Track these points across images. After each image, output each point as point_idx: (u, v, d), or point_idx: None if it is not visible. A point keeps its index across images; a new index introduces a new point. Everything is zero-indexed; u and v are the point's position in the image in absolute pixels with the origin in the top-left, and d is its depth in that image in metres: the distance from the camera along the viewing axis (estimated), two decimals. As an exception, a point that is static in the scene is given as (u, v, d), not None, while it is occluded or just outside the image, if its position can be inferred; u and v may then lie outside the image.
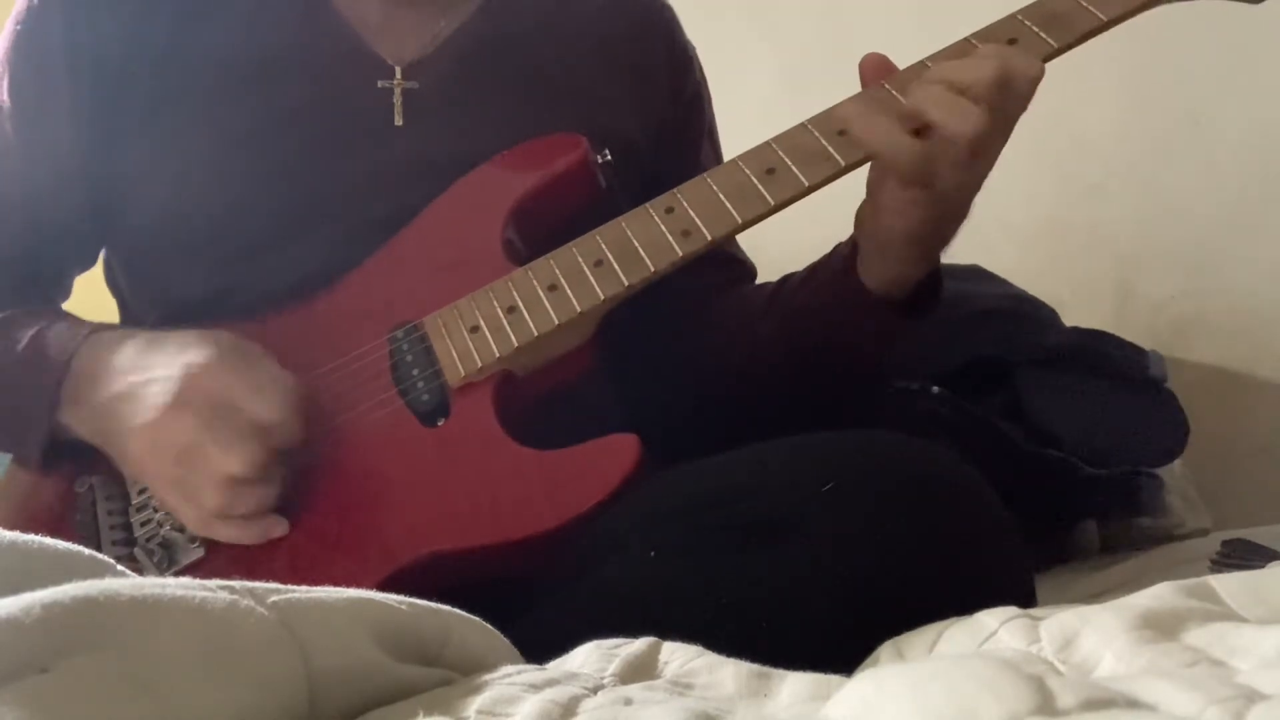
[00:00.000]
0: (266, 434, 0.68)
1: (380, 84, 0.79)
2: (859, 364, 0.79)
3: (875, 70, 0.70)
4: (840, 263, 0.75)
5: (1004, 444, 1.08)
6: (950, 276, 1.28)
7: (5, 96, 0.81)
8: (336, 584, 0.66)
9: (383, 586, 0.65)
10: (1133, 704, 0.28)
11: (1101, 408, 1.17)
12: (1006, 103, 0.64)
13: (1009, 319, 1.22)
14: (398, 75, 0.79)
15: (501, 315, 0.73)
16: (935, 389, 1.11)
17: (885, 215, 0.69)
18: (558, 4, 0.88)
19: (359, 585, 0.66)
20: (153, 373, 0.69)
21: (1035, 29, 0.70)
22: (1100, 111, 1.43)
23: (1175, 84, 1.37)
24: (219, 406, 0.67)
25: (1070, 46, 0.71)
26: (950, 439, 1.06)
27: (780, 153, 0.71)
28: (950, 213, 0.70)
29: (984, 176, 0.68)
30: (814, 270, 0.80)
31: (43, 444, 0.73)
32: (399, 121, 0.79)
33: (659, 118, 0.88)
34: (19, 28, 0.80)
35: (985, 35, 0.71)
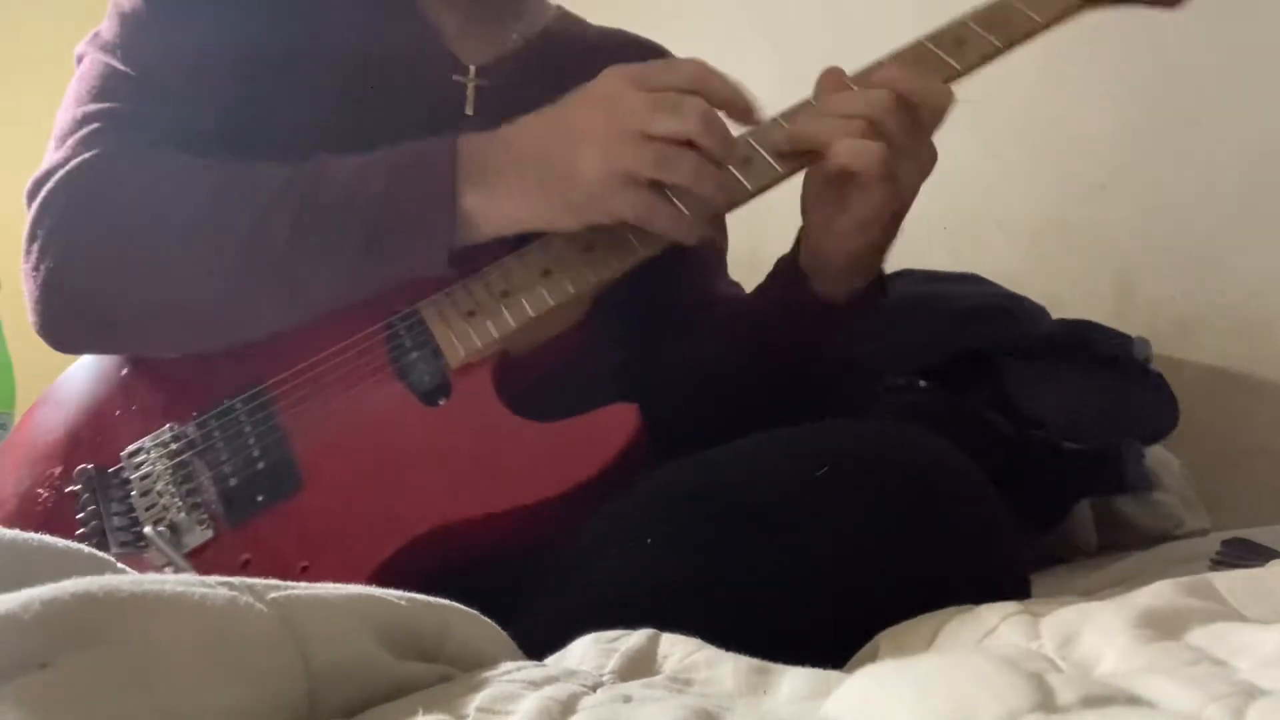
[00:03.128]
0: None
1: (455, 78, 0.87)
2: (820, 364, 0.84)
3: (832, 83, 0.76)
4: (791, 279, 0.80)
5: (989, 431, 1.09)
6: (943, 281, 1.31)
7: (125, 66, 0.81)
8: (348, 558, 0.68)
9: (394, 559, 0.68)
10: (1133, 701, 0.28)
11: (1085, 391, 1.18)
12: (908, 123, 0.71)
13: (995, 314, 1.23)
14: (471, 73, 0.88)
15: (496, 300, 0.76)
16: (922, 383, 1.12)
17: (834, 240, 0.75)
18: (597, 43, 0.97)
19: (371, 559, 0.67)
20: (574, 102, 0.73)
21: (981, 31, 0.77)
22: (1100, 112, 1.43)
23: (1175, 84, 1.37)
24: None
25: (1013, 46, 0.78)
26: (935, 429, 1.06)
27: (754, 143, 0.76)
28: (886, 234, 0.76)
29: (909, 190, 0.74)
30: (767, 290, 0.86)
31: (453, 229, 0.73)
32: (469, 111, 0.87)
33: None
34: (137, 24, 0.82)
35: (936, 37, 0.78)
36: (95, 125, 0.78)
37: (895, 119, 0.71)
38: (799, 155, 0.75)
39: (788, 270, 0.81)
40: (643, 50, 0.99)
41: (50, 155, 0.79)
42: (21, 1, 2.05)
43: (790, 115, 0.77)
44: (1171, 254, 1.42)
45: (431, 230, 0.73)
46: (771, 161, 0.75)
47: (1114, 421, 1.14)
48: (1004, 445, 1.08)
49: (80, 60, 0.84)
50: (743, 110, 0.72)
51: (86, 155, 0.76)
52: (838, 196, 0.73)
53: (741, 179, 0.75)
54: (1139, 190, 1.44)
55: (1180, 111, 1.39)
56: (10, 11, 2.04)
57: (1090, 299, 1.43)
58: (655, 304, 0.88)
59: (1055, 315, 1.28)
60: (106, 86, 0.80)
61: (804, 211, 0.78)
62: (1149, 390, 1.21)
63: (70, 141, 0.78)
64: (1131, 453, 1.12)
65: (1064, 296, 1.39)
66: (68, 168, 0.76)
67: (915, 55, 0.78)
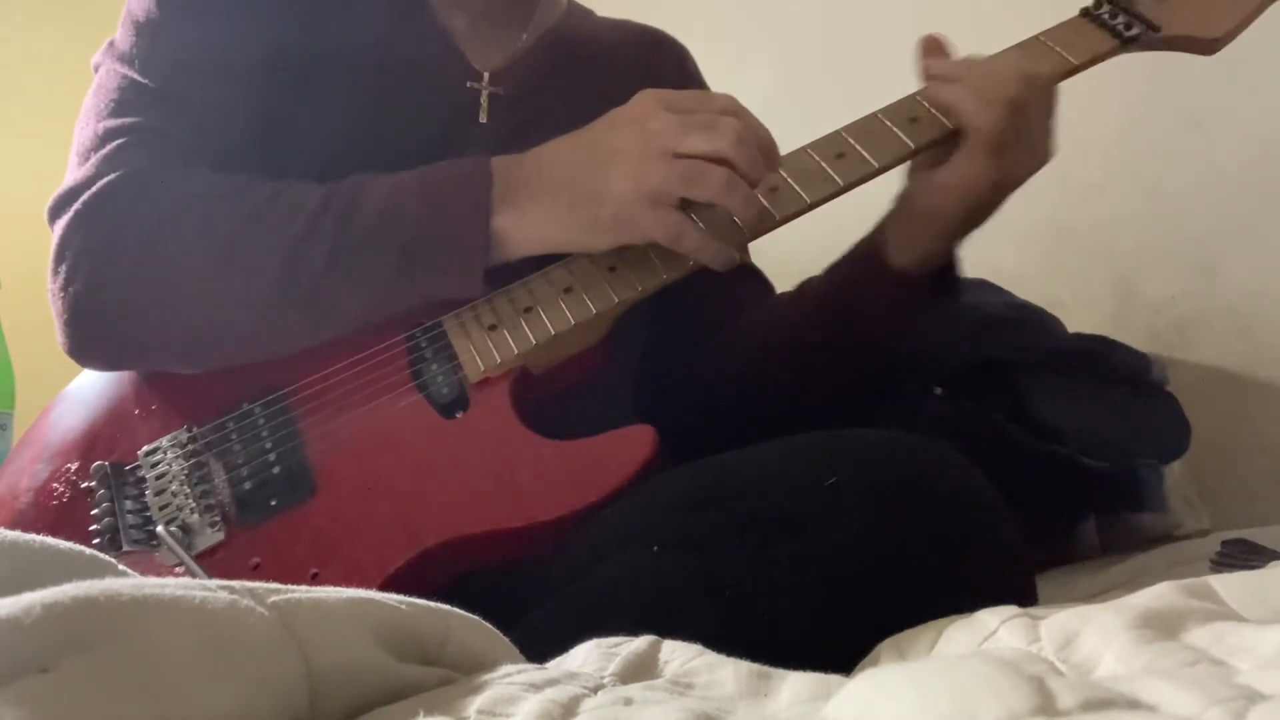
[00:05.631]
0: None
1: (469, 84, 0.87)
2: (886, 336, 0.85)
3: (930, 49, 0.79)
4: (867, 247, 0.82)
5: (1006, 441, 1.09)
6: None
7: (144, 77, 0.80)
8: (358, 566, 0.68)
9: (404, 570, 0.68)
10: (1133, 704, 0.28)
11: (1103, 408, 1.18)
12: (1037, 93, 0.74)
13: (1013, 325, 1.23)
14: (485, 79, 0.87)
15: (519, 315, 0.76)
16: (938, 391, 1.12)
17: (940, 195, 0.76)
18: (605, 37, 0.97)
19: (381, 568, 0.68)
20: (604, 125, 0.74)
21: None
22: (1100, 112, 1.43)
23: (1175, 84, 1.37)
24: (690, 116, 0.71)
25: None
26: (952, 437, 1.06)
27: (782, 173, 0.77)
28: (997, 198, 0.77)
29: (1031, 169, 0.77)
30: (840, 261, 0.87)
31: (486, 249, 0.73)
32: (483, 119, 0.86)
33: None
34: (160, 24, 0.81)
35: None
36: (119, 141, 0.78)
37: (1036, 97, 0.73)
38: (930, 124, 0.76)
39: (866, 242, 0.83)
40: (650, 41, 0.99)
41: (73, 172, 0.78)
42: (21, 9, 2.05)
43: (819, 145, 0.78)
44: (1171, 254, 1.42)
45: (465, 252, 0.73)
46: (799, 190, 0.76)
47: (1131, 440, 1.14)
48: (1020, 454, 1.08)
49: (97, 69, 0.83)
50: (766, 147, 0.73)
51: (112, 176, 0.75)
52: (943, 154, 0.75)
53: (769, 206, 0.75)
54: (1139, 190, 1.44)
55: (1180, 112, 1.39)
56: (10, 19, 2.04)
57: (1090, 300, 1.43)
58: (675, 314, 0.88)
59: (1055, 316, 1.28)
60: (126, 99, 0.80)
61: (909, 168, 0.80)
62: (1164, 413, 1.21)
63: (94, 159, 0.77)
64: (1152, 475, 1.12)
65: (1064, 297, 1.39)
66: (95, 188, 0.75)
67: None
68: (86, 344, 0.77)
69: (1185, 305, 1.41)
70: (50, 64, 1.95)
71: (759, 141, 0.72)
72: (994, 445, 1.08)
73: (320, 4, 0.84)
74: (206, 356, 0.78)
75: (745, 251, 0.93)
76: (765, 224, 0.76)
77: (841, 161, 0.76)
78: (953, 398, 1.11)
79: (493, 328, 0.76)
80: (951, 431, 1.08)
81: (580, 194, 0.72)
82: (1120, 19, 0.80)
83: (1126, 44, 0.80)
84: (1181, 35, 0.81)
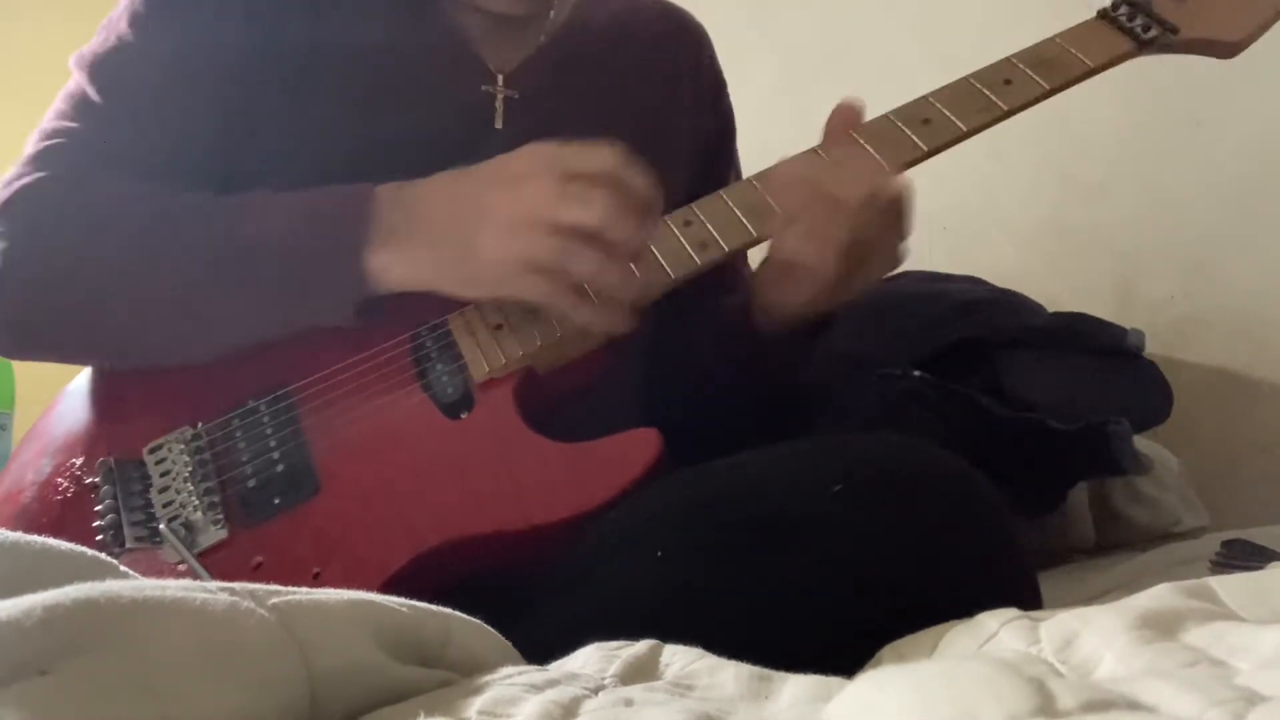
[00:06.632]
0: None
1: (484, 88, 0.84)
2: (769, 379, 0.85)
3: (844, 120, 0.77)
4: (742, 305, 0.82)
5: (980, 414, 1.10)
6: (942, 280, 1.31)
7: (94, 91, 0.81)
8: (360, 566, 0.68)
9: (406, 570, 0.67)
10: (1133, 705, 0.28)
11: (1078, 377, 1.19)
12: (876, 216, 0.71)
13: (990, 306, 1.24)
14: (500, 83, 0.85)
15: (525, 315, 0.76)
16: (916, 373, 1.13)
17: (781, 309, 0.77)
18: (622, 22, 0.94)
19: (383, 568, 0.67)
20: (487, 175, 0.72)
21: (1029, 72, 0.77)
22: (1101, 112, 1.43)
23: (1175, 85, 1.37)
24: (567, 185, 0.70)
25: (1061, 89, 0.78)
26: (928, 413, 1.07)
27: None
28: (830, 306, 0.77)
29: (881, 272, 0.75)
30: (727, 307, 0.87)
31: (359, 282, 0.72)
32: (499, 125, 0.84)
33: (705, 135, 0.95)
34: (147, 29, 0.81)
35: (982, 75, 0.78)
36: (48, 143, 0.80)
37: (879, 220, 0.70)
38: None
39: (742, 299, 0.83)
40: (669, 27, 0.97)
41: (18, 162, 0.81)
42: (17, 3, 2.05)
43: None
44: (1171, 254, 1.42)
45: (337, 282, 0.73)
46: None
47: (1104, 406, 1.15)
48: (994, 425, 1.09)
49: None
50: (645, 206, 0.71)
51: (29, 179, 0.78)
52: (788, 270, 0.75)
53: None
54: (1139, 190, 1.44)
55: (1180, 111, 1.39)
56: (10, 14, 2.04)
57: (1090, 299, 1.43)
58: (682, 305, 0.88)
59: (1037, 301, 1.29)
60: (72, 106, 0.82)
61: (762, 264, 0.79)
62: (1142, 378, 1.22)
63: (28, 154, 0.80)
64: (1120, 432, 1.12)
65: (1064, 297, 1.39)
66: (15, 185, 0.78)
67: (960, 92, 0.78)
68: None
69: (1185, 305, 1.41)
70: (38, 58, 1.95)
71: (642, 200, 0.70)
72: (968, 419, 1.08)
73: (327, 7, 0.83)
74: (104, 357, 0.80)
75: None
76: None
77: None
78: (929, 378, 1.12)
79: (498, 327, 0.76)
80: (927, 407, 1.09)
81: (452, 247, 0.72)
82: (1138, 21, 0.79)
83: (1144, 46, 0.79)
84: (1201, 38, 0.79)
